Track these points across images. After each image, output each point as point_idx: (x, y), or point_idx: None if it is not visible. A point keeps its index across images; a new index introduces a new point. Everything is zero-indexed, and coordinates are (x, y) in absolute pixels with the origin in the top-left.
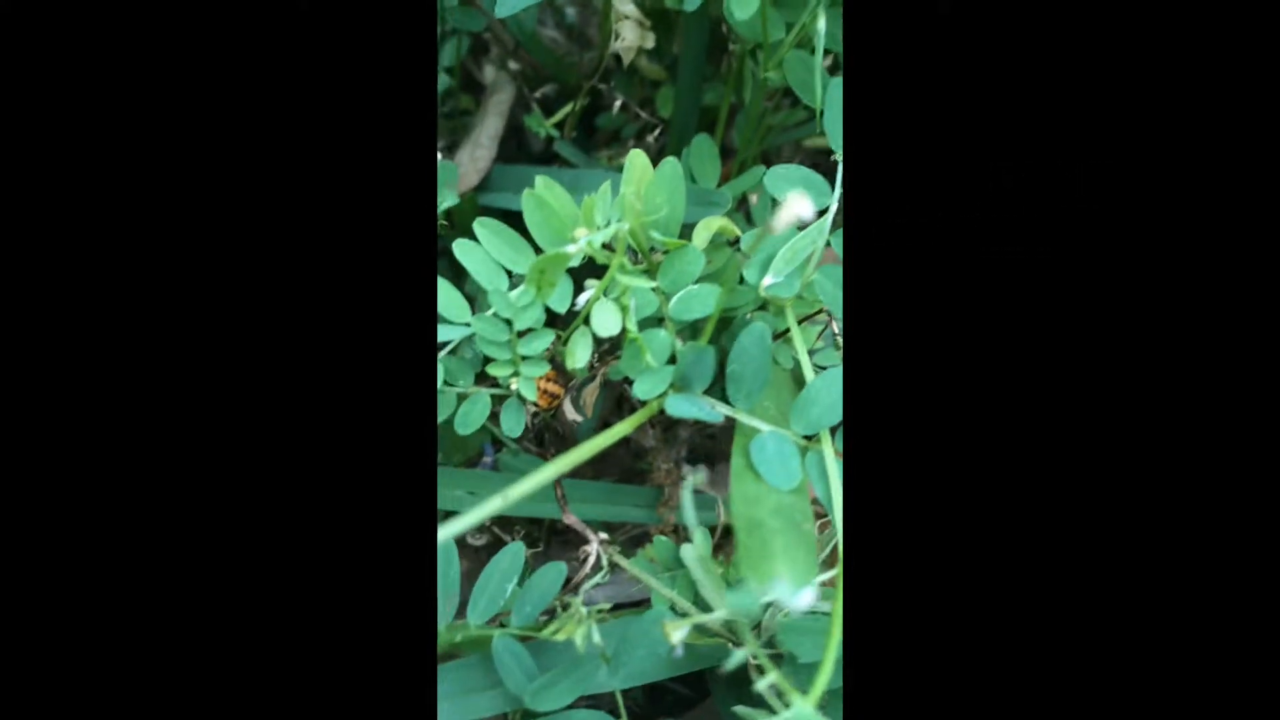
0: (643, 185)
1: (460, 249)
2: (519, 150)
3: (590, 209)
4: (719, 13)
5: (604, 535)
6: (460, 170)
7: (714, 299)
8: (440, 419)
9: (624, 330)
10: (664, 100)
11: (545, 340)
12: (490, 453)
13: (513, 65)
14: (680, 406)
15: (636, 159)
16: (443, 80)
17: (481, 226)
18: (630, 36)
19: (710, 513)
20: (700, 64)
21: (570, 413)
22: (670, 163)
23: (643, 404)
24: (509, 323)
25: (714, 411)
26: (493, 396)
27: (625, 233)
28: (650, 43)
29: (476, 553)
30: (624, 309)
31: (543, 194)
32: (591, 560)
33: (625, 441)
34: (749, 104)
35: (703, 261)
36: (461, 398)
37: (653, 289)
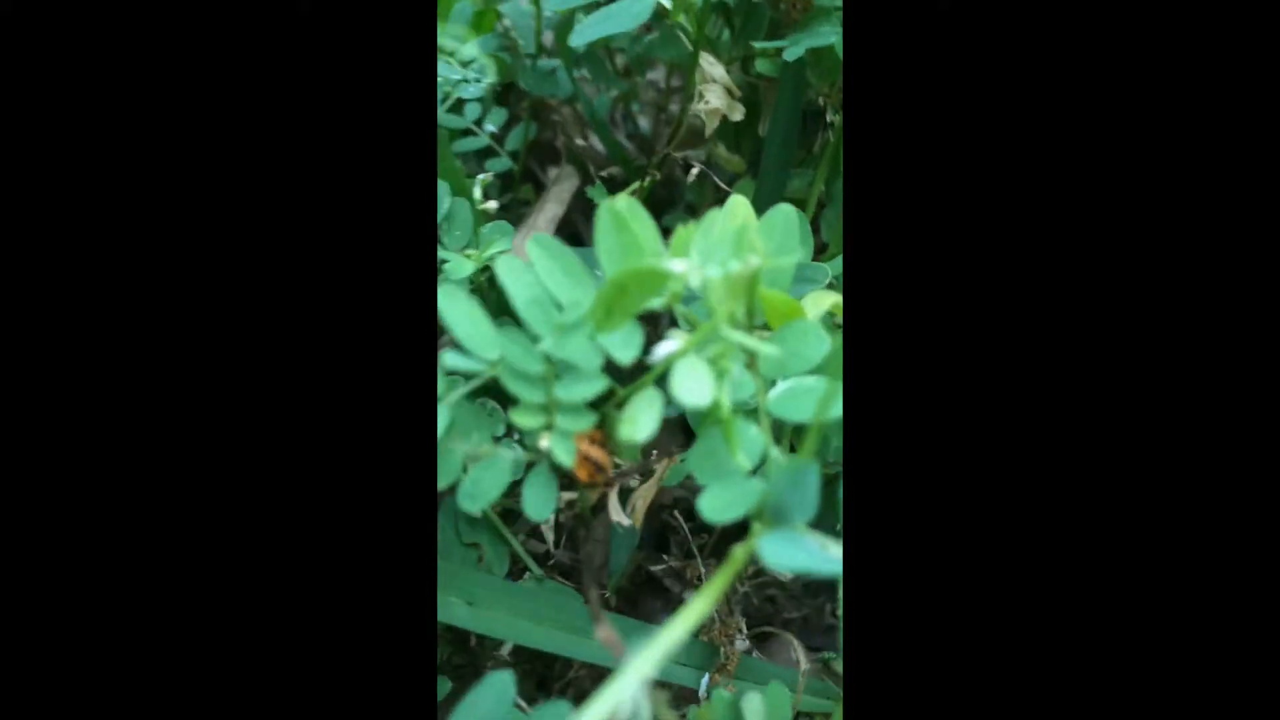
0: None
1: (503, 267)
2: (575, 245)
3: (685, 241)
4: (813, 99)
5: None
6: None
7: (833, 401)
8: (441, 484)
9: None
10: (742, 193)
11: (594, 385)
12: None
13: (579, 142)
14: (780, 552)
15: (738, 203)
16: (504, 162)
17: (536, 245)
18: (715, 100)
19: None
20: (791, 140)
21: (615, 513)
22: (784, 209)
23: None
24: (547, 358)
25: (829, 557)
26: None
27: (748, 272)
28: (738, 114)
29: None
30: (723, 375)
31: (623, 212)
32: None
33: (671, 571)
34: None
35: (826, 343)
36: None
37: (747, 368)
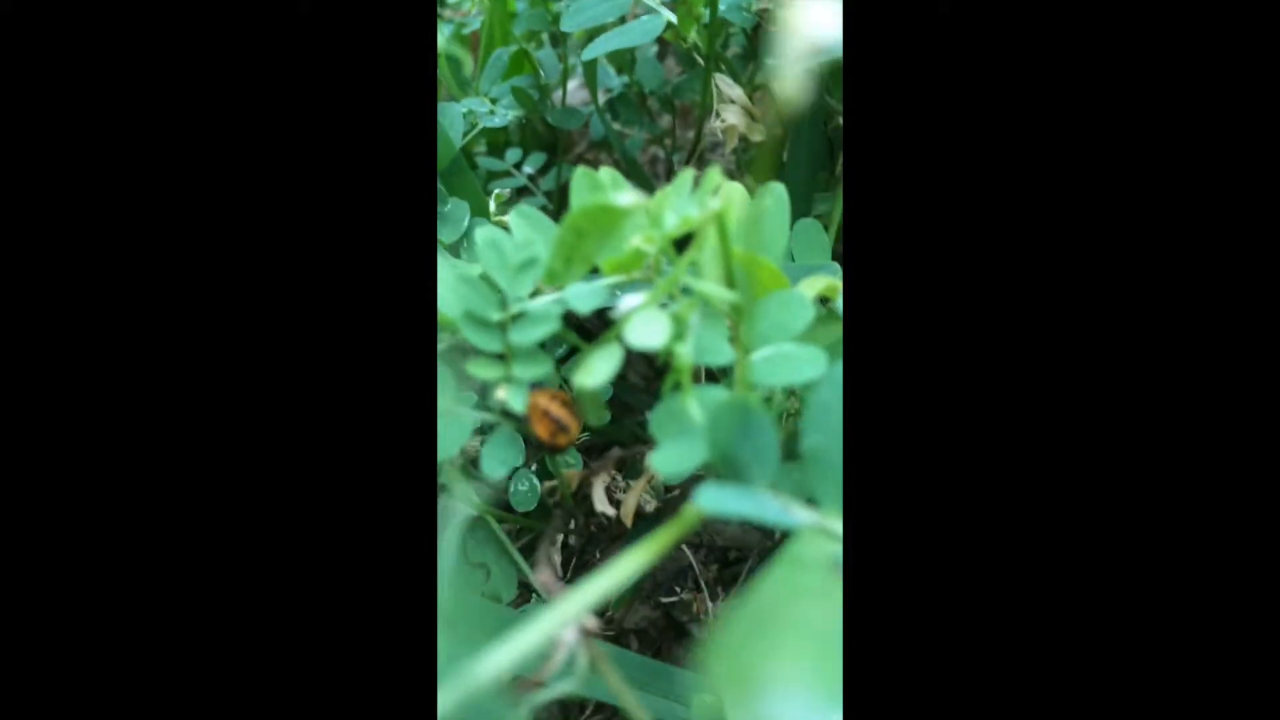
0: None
1: (480, 232)
2: None
3: (662, 206)
4: (837, 121)
5: None
6: None
7: (819, 363)
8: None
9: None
10: None
11: (545, 326)
12: None
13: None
14: (721, 500)
15: (733, 190)
16: (538, 201)
17: (518, 214)
18: (732, 118)
19: None
20: (814, 162)
21: (599, 502)
22: (776, 187)
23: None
24: (503, 300)
25: (783, 511)
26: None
27: (709, 214)
28: (757, 134)
29: None
30: (680, 323)
31: (599, 176)
32: None
33: (683, 605)
34: None
35: (810, 313)
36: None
37: (730, 340)
